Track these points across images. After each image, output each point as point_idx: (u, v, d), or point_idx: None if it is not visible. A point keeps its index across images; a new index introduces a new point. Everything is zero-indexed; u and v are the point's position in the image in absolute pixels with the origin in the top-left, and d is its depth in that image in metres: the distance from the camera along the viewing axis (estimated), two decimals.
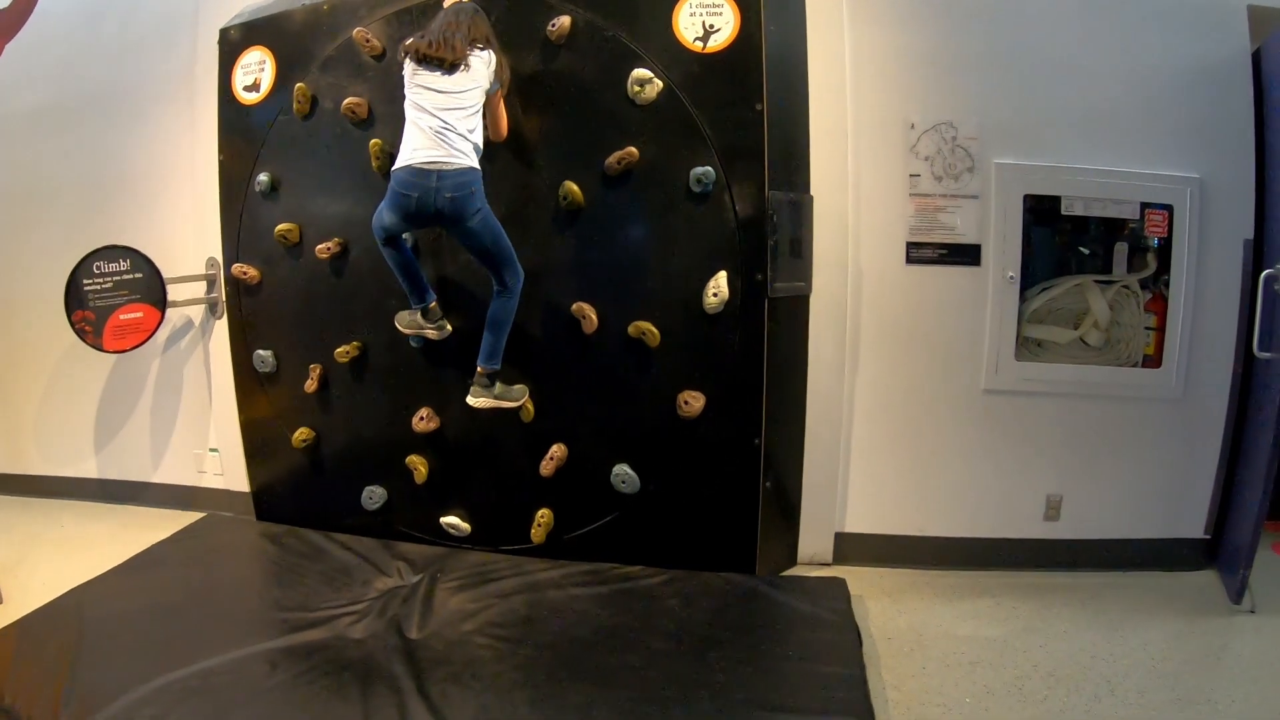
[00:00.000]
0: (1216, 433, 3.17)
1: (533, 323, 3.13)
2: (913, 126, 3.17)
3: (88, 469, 4.34)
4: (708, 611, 2.84)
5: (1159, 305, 3.14)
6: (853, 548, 3.31)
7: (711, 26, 2.90)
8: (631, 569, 3.09)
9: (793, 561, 3.29)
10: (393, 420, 3.38)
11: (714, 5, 2.89)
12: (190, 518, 3.91)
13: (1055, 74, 3.08)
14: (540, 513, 3.22)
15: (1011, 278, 3.18)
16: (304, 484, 3.62)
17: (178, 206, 3.94)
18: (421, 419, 3.29)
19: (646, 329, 3.01)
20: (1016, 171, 3.12)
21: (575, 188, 3.02)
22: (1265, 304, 2.84)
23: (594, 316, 3.05)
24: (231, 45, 3.53)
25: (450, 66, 2.76)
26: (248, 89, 3.48)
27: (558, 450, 3.17)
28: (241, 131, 3.53)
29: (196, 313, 3.98)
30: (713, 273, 2.96)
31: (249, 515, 3.85)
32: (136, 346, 3.70)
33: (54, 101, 4.22)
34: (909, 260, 3.21)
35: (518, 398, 3.09)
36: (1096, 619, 2.89)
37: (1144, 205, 3.11)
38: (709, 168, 2.90)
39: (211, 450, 4.04)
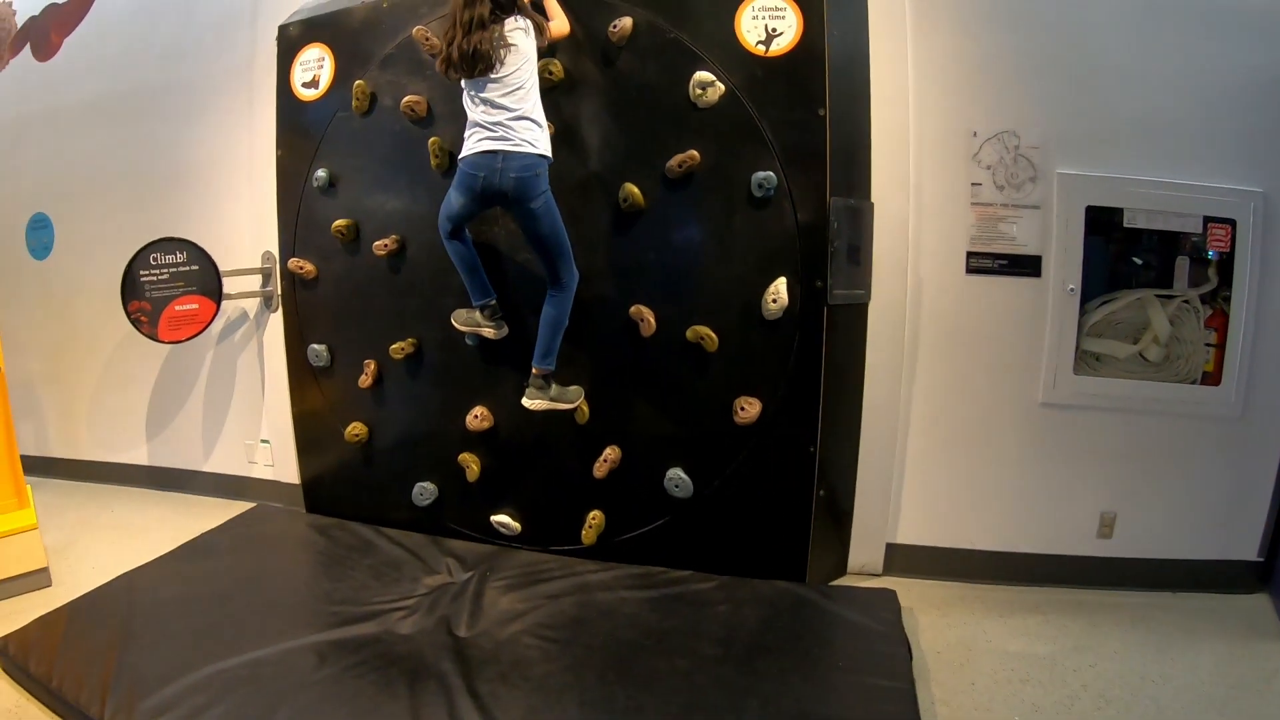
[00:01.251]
0: (1274, 453, 2.94)
1: (590, 324, 2.94)
2: (975, 134, 2.95)
3: (139, 456, 4.19)
4: (757, 619, 2.67)
5: (1219, 321, 2.92)
6: (903, 559, 3.10)
7: (774, 30, 2.72)
8: (681, 573, 2.91)
9: (842, 571, 3.09)
10: (446, 418, 3.20)
11: (776, 8, 2.70)
12: (240, 507, 3.77)
13: (1118, 84, 2.86)
14: (591, 514, 3.04)
15: (1072, 290, 2.96)
16: (354, 477, 3.45)
17: (234, 200, 3.78)
18: (476, 417, 3.10)
19: (705, 333, 2.82)
20: (1079, 182, 2.91)
21: (636, 190, 2.84)
22: None
23: (652, 320, 2.86)
24: (290, 42, 3.36)
25: (486, 67, 2.58)
26: (306, 85, 3.31)
27: (611, 452, 2.98)
28: (299, 127, 3.36)
29: (251, 305, 3.82)
30: (772, 279, 2.77)
31: (298, 507, 3.69)
32: (191, 338, 3.53)
33: (111, 95, 4.08)
34: (969, 270, 2.99)
35: (573, 399, 2.90)
36: (1147, 640, 2.69)
37: (1206, 219, 2.88)
38: (770, 173, 2.72)
39: (263, 441, 3.88)
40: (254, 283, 3.70)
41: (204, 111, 3.83)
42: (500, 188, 2.63)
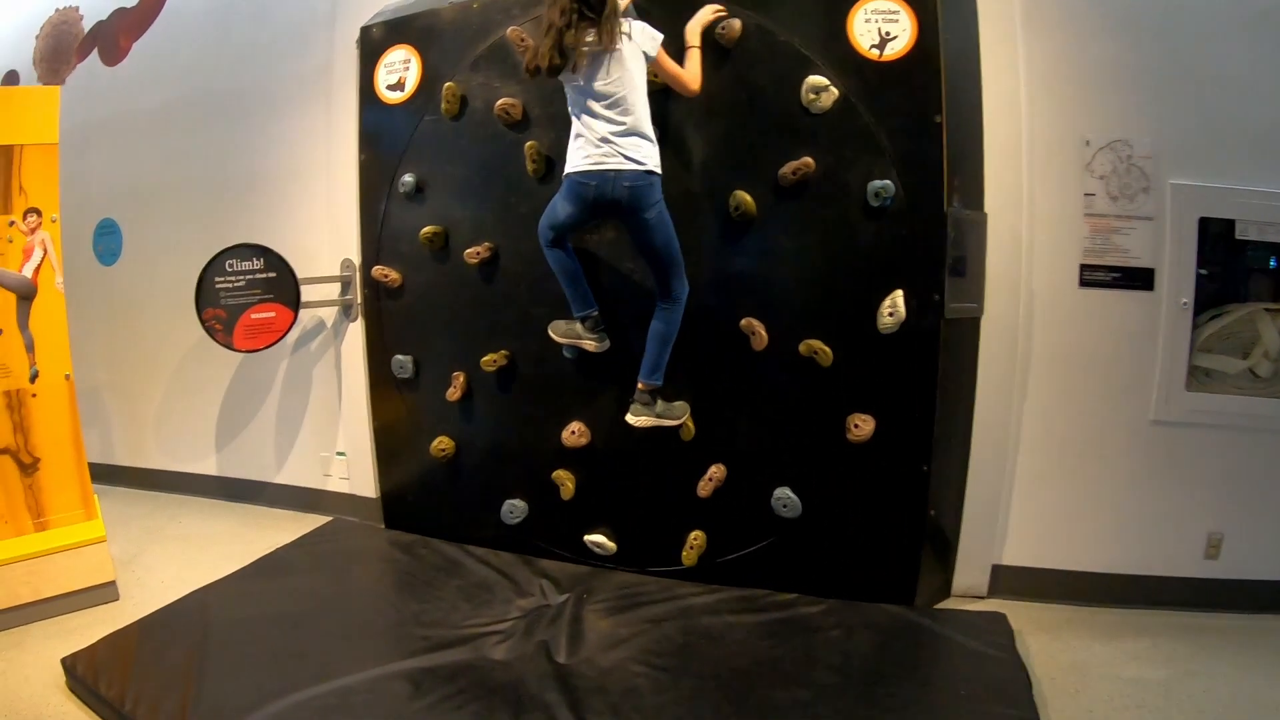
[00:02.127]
0: None
1: (698, 337, 2.66)
2: (1088, 143, 2.69)
3: (207, 466, 3.90)
4: (871, 645, 2.41)
5: None
6: (1008, 581, 2.83)
7: (888, 34, 2.46)
8: (787, 596, 2.64)
9: (946, 593, 2.82)
10: (539, 433, 2.92)
11: (890, 11, 2.45)
12: (313, 520, 3.50)
13: (1232, 92, 2.61)
14: (693, 535, 2.76)
15: (1185, 304, 2.69)
16: (438, 493, 3.17)
17: (312, 207, 3.50)
18: (573, 433, 2.82)
19: (818, 348, 2.55)
20: (1192, 193, 2.65)
21: (748, 198, 2.57)
22: None
23: (764, 333, 2.58)
24: (374, 44, 3.08)
25: (576, 61, 2.32)
26: (391, 88, 3.01)
27: (717, 471, 2.70)
28: (384, 131, 3.08)
29: (329, 314, 3.54)
30: (888, 291, 2.50)
31: (375, 521, 3.42)
32: (267, 347, 3.24)
33: (183, 100, 3.81)
34: (1082, 283, 2.72)
35: (679, 415, 2.61)
36: (1257, 664, 2.43)
37: None
38: (888, 181, 2.45)
39: (338, 454, 3.58)
40: (332, 291, 3.42)
41: (279, 116, 3.56)
42: (614, 197, 2.38)
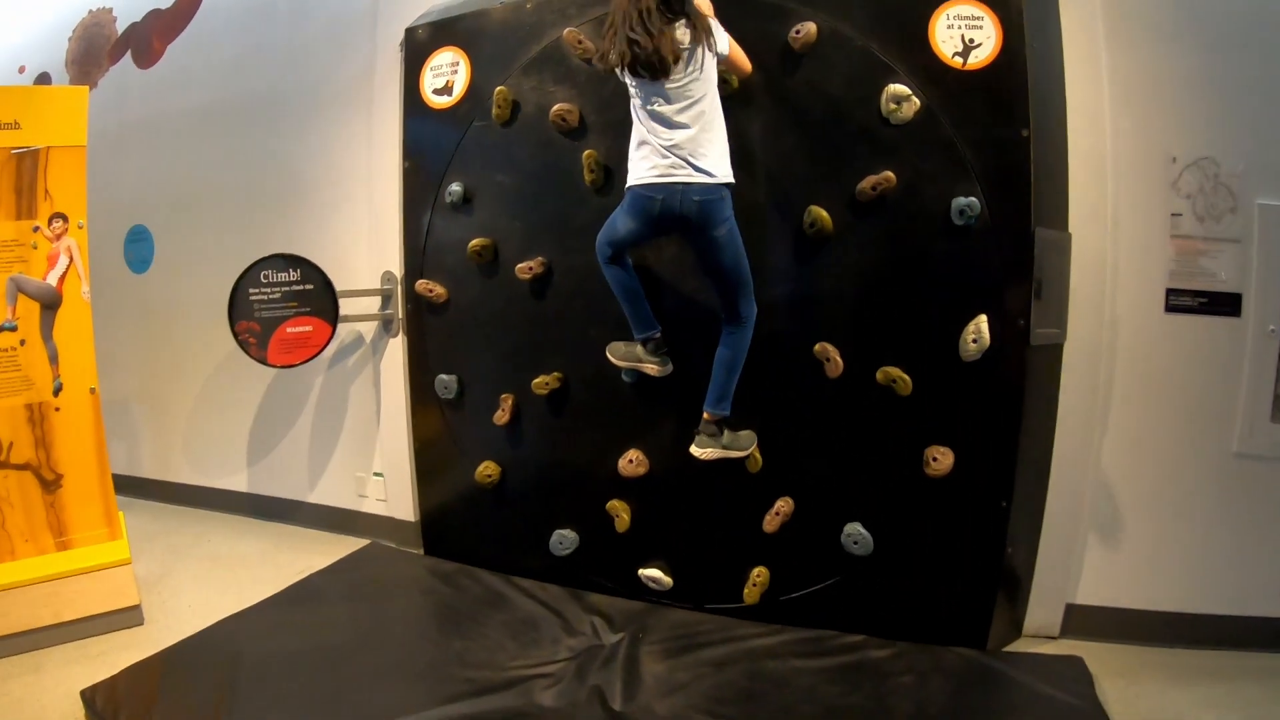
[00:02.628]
0: None
1: (767, 363, 2.42)
2: (1174, 160, 2.45)
3: (237, 482, 3.65)
4: (945, 692, 2.17)
5: None
6: (1080, 620, 2.58)
7: (971, 41, 2.23)
8: (854, 638, 2.40)
9: (1018, 633, 2.57)
10: (593, 461, 2.67)
11: (974, 18, 2.22)
12: (347, 542, 3.26)
13: None
14: (756, 571, 2.52)
15: (1273, 331, 2.47)
16: (481, 521, 2.91)
17: (352, 216, 3.25)
18: (630, 462, 2.57)
19: (897, 376, 2.31)
20: None
21: (824, 214, 2.33)
22: None
23: (839, 359, 2.33)
24: (419, 46, 2.84)
25: (658, 69, 2.06)
26: (438, 92, 2.77)
27: (784, 505, 2.46)
28: (430, 138, 2.84)
29: (368, 329, 3.28)
30: (971, 316, 2.26)
31: (412, 546, 3.17)
32: (304, 362, 2.99)
33: (218, 103, 3.57)
34: (1168, 309, 2.48)
35: (746, 446, 2.36)
36: None
37: None
38: (974, 199, 2.22)
39: (375, 474, 3.33)
40: (372, 305, 3.17)
41: (319, 122, 3.31)
42: (682, 213, 2.14)
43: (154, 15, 3.71)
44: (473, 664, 2.27)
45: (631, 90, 2.19)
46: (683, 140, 2.11)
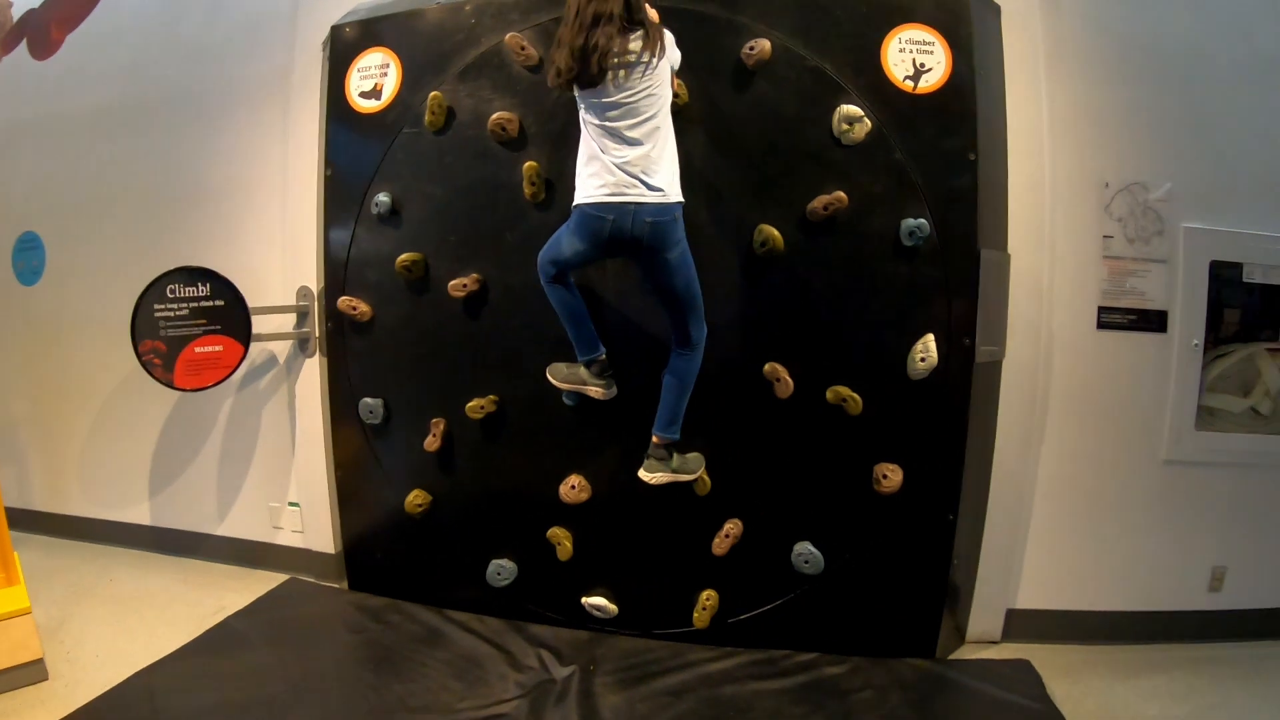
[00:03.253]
0: None
1: (716, 383, 2.38)
2: (1107, 185, 2.59)
3: (139, 514, 3.36)
4: (907, 705, 2.23)
5: None
6: (1020, 624, 2.70)
7: (922, 65, 2.29)
8: (807, 656, 2.43)
9: (961, 640, 2.64)
10: (533, 487, 2.56)
11: (925, 43, 2.28)
12: (261, 576, 3.06)
13: (1244, 138, 2.59)
14: (705, 594, 2.49)
15: (1196, 345, 2.63)
16: (411, 552, 2.75)
17: (264, 226, 3.03)
18: (572, 488, 2.48)
19: (847, 395, 2.33)
20: (1204, 236, 2.59)
21: (775, 233, 2.32)
22: None
23: (789, 379, 2.32)
24: (345, 45, 2.67)
25: (603, 72, 2.00)
26: (365, 95, 2.61)
27: (733, 527, 2.44)
28: (354, 144, 2.68)
29: (282, 349, 3.06)
30: (920, 335, 2.31)
31: (332, 580, 3.00)
32: (213, 385, 2.76)
33: (120, 102, 3.26)
34: (1100, 325, 2.61)
35: (695, 469, 2.33)
36: (1270, 692, 2.43)
37: None
38: (923, 220, 2.26)
39: (291, 504, 3.12)
40: (286, 322, 2.96)
41: (230, 124, 3.07)
42: (633, 234, 2.07)
43: (53, 3, 3.37)
44: (418, 708, 2.16)
45: (581, 105, 2.12)
46: (635, 157, 2.04)
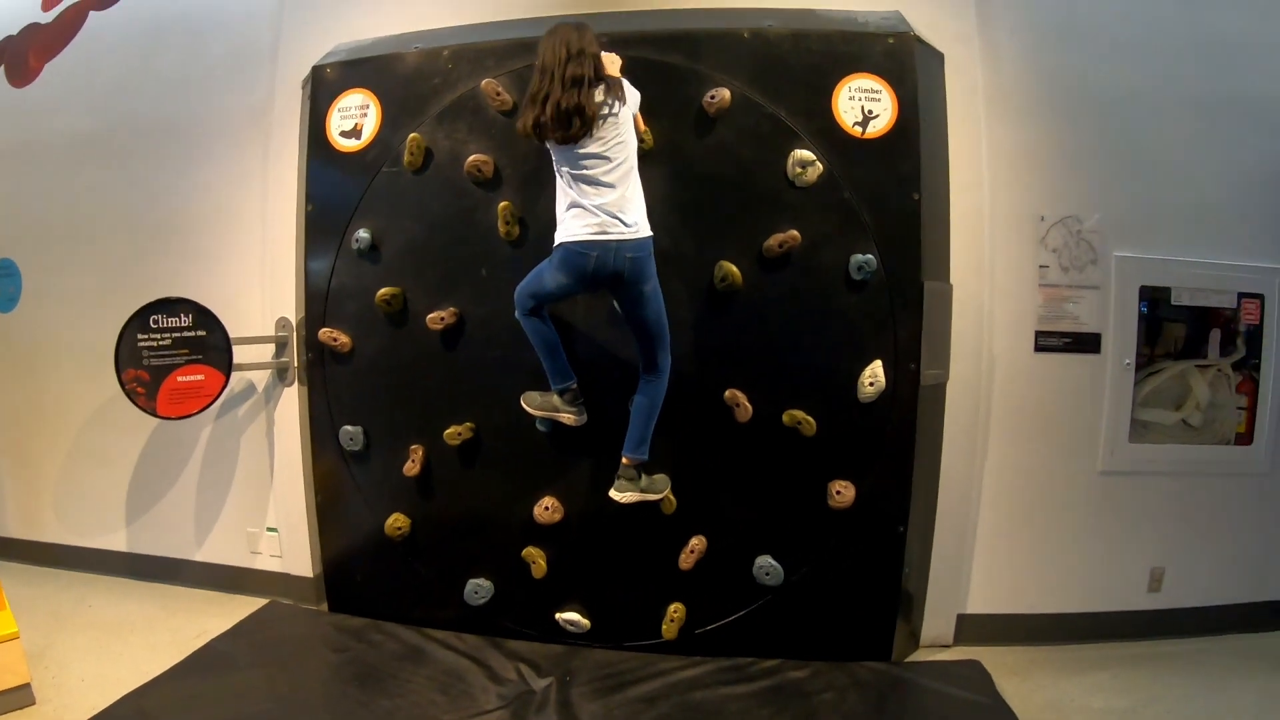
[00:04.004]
0: None
1: (680, 409, 2.59)
2: (1043, 219, 2.87)
3: (115, 541, 3.45)
4: (866, 704, 2.45)
5: (1249, 386, 2.97)
6: (971, 628, 2.93)
7: (870, 112, 2.53)
8: (770, 663, 2.64)
9: (915, 644, 2.87)
10: (509, 509, 2.75)
11: (873, 91, 2.53)
12: (240, 601, 3.18)
13: (1168, 172, 2.88)
14: (673, 607, 2.69)
15: (1128, 364, 2.91)
16: (390, 574, 2.90)
17: (243, 258, 3.17)
18: (545, 509, 2.67)
19: (802, 418, 2.56)
20: (1134, 264, 2.88)
21: (734, 269, 2.55)
22: None
23: (748, 405, 2.55)
24: (327, 85, 2.84)
25: (583, 130, 2.22)
26: (345, 134, 2.78)
27: (698, 543, 2.65)
28: (334, 181, 2.84)
29: (260, 378, 3.20)
30: (869, 361, 2.55)
31: (311, 603, 3.12)
32: (195, 414, 2.90)
33: (100, 132, 3.37)
34: (1037, 348, 2.88)
35: (661, 489, 2.55)
36: (1207, 684, 2.67)
37: (1240, 294, 2.93)
38: (871, 256, 2.51)
39: (269, 530, 3.24)
40: (265, 352, 3.11)
41: (210, 157, 3.20)
42: (615, 268, 2.30)
43: (32, 29, 3.45)
44: None
45: (555, 156, 2.33)
46: (613, 200, 2.27)
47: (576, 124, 2.21)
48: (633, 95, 2.37)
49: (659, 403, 2.47)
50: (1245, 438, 2.95)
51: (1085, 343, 2.88)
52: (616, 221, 2.27)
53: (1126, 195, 2.85)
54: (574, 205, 2.30)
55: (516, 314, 2.46)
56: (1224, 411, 2.95)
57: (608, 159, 2.26)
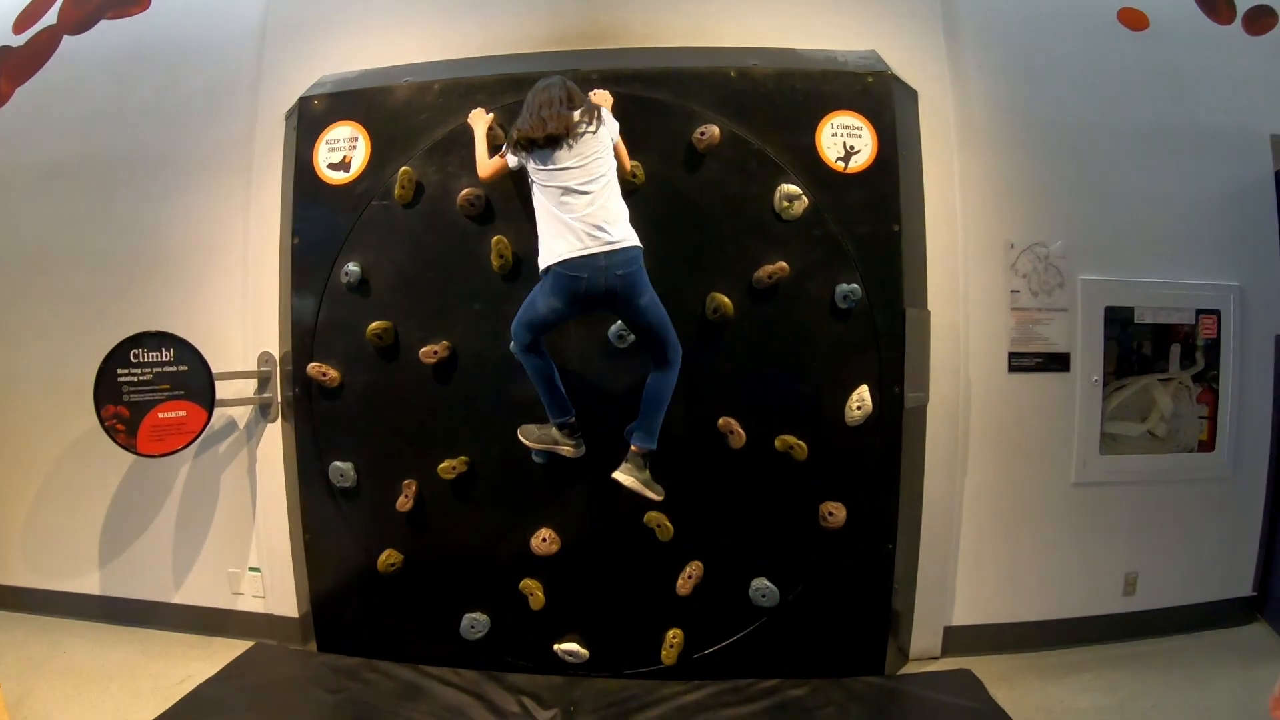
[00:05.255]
0: (1259, 503, 3.27)
1: (676, 437, 2.72)
2: (1012, 246, 3.11)
3: (88, 584, 3.42)
4: (869, 717, 2.61)
5: (1209, 396, 3.23)
6: (957, 639, 3.12)
7: (852, 148, 2.74)
8: (770, 683, 2.78)
9: (905, 658, 3.05)
10: (504, 542, 2.84)
11: (854, 128, 2.73)
12: (222, 644, 3.19)
13: (1129, 200, 3.15)
14: (672, 633, 2.81)
15: (1096, 380, 3.15)
16: (383, 611, 2.95)
17: (224, 292, 3.19)
18: (544, 540, 2.76)
19: (794, 443, 2.72)
20: (1098, 286, 3.14)
21: (726, 300, 2.70)
22: None
23: (741, 431, 2.70)
24: (314, 117, 2.91)
25: (566, 138, 2.41)
26: (334, 167, 2.86)
27: (695, 568, 2.78)
28: (322, 214, 2.90)
29: (241, 414, 3.22)
30: (855, 386, 2.73)
31: (297, 643, 3.14)
32: (176, 451, 2.92)
33: (73, 159, 3.35)
34: (1010, 369, 3.11)
35: (659, 493, 2.63)
36: (1184, 679, 2.89)
37: (1198, 310, 3.21)
38: (855, 285, 2.70)
39: (252, 569, 3.26)
40: (247, 388, 3.13)
41: (189, 188, 3.23)
42: (608, 287, 2.40)
43: (3, 53, 3.42)
44: None
45: (535, 176, 2.46)
46: (593, 209, 2.38)
47: (556, 124, 2.39)
48: (611, 123, 2.52)
49: (668, 393, 2.56)
50: (1208, 445, 3.22)
51: (1055, 362, 3.12)
52: (600, 232, 2.37)
53: (1090, 221, 3.11)
54: (553, 220, 2.41)
55: (514, 349, 2.57)
56: (1187, 421, 3.20)
57: (586, 170, 2.41)
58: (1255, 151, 3.21)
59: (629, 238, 2.43)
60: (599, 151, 2.44)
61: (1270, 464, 3.26)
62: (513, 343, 2.57)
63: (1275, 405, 3.25)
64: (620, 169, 2.55)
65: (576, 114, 2.43)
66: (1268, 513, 3.27)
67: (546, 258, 2.43)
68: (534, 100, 2.48)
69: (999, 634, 3.12)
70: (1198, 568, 3.24)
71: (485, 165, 2.61)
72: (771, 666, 2.79)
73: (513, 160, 2.54)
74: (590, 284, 2.39)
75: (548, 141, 2.40)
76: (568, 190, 2.40)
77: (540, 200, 2.46)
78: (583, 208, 2.39)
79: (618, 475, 2.58)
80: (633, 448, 2.60)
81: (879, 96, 2.72)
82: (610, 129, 2.51)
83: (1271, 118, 3.22)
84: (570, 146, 2.41)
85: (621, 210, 2.46)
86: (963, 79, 3.02)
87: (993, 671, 2.93)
